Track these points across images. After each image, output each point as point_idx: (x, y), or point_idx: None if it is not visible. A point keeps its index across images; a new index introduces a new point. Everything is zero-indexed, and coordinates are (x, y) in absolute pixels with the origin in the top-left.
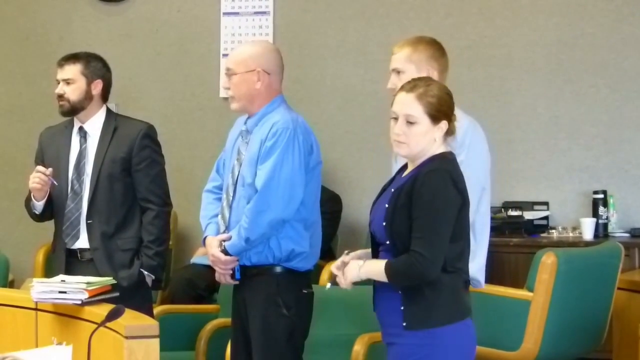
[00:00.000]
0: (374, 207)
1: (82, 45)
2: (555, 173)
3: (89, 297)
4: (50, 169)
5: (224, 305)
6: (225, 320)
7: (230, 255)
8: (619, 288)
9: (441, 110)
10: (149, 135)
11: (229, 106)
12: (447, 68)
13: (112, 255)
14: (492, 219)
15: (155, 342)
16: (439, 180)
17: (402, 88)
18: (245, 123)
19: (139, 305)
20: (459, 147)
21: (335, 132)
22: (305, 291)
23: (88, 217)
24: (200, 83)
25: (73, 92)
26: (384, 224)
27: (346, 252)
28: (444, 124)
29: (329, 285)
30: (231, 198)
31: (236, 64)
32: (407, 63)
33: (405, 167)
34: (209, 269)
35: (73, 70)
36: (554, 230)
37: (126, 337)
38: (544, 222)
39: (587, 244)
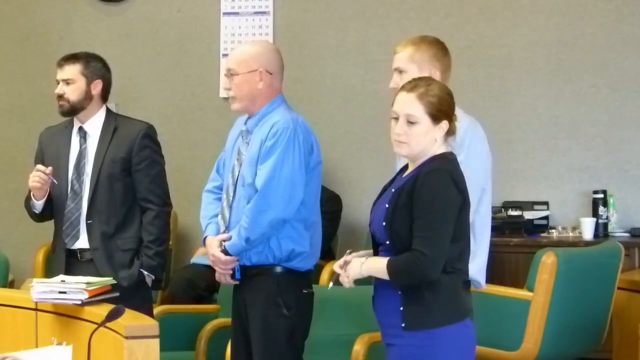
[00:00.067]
0: (374, 207)
1: (82, 45)
2: (555, 173)
3: (89, 297)
4: (50, 168)
5: (224, 305)
6: (225, 320)
7: (230, 255)
8: (619, 288)
9: (442, 110)
10: (149, 135)
11: (229, 106)
12: (449, 68)
13: (112, 255)
14: (492, 219)
15: (155, 342)
16: (439, 180)
17: (403, 88)
18: (245, 123)
19: (139, 305)
20: (459, 147)
21: (335, 132)
22: (306, 291)
23: (88, 217)
24: (200, 83)
25: (73, 92)
26: (384, 224)
27: (348, 251)
28: (444, 124)
29: (331, 284)
30: (231, 198)
31: (238, 64)
32: (409, 63)
33: (405, 167)
34: (209, 269)
35: (73, 71)
36: (554, 230)
37: (126, 337)
38: (544, 222)
39: (587, 243)
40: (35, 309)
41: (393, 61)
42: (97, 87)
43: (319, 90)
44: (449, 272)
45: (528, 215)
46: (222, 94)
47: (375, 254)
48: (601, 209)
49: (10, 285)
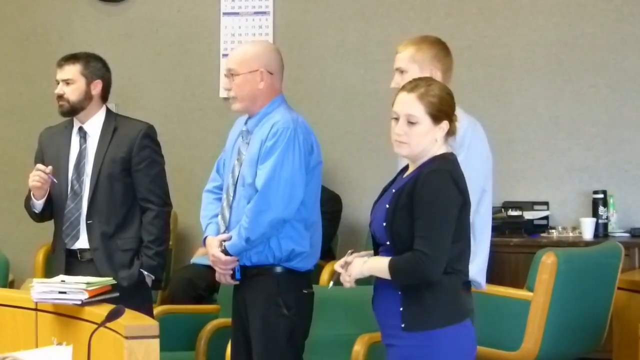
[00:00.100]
0: (374, 208)
1: (82, 45)
2: (555, 173)
3: (89, 297)
4: (50, 167)
5: (224, 305)
6: (225, 321)
7: (230, 255)
8: (619, 288)
9: (442, 110)
10: (149, 135)
11: (229, 106)
12: (451, 68)
13: (112, 255)
14: (492, 219)
15: (155, 342)
16: (440, 180)
17: (403, 88)
18: (245, 123)
19: (139, 305)
20: (458, 147)
21: (335, 132)
22: (306, 291)
23: (88, 217)
24: (200, 83)
25: (73, 93)
26: (385, 224)
27: (350, 251)
28: (445, 124)
29: (331, 284)
30: (231, 198)
31: (238, 64)
32: (411, 63)
33: (406, 168)
34: (209, 269)
35: (72, 71)
36: (554, 230)
37: (126, 337)
38: (544, 222)
39: (587, 243)
40: (35, 309)
41: (394, 61)
42: (97, 87)
43: (319, 90)
44: (449, 273)
45: (528, 215)
46: (222, 94)
47: (376, 254)
48: (601, 209)
49: (10, 285)
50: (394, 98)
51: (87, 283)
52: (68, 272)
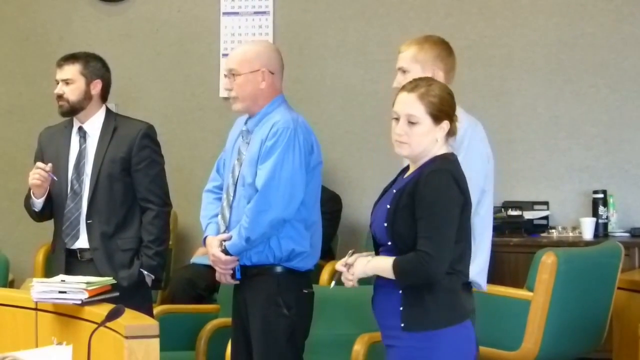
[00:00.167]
0: (375, 208)
1: (82, 45)
2: (555, 173)
3: (89, 297)
4: (49, 165)
5: (224, 305)
6: (225, 320)
7: (230, 255)
8: (619, 288)
9: (443, 110)
10: (149, 135)
11: (229, 106)
12: (453, 68)
13: (112, 255)
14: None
15: (155, 342)
16: (441, 180)
17: (404, 88)
18: (245, 123)
19: (139, 305)
20: (457, 147)
21: (335, 132)
22: (306, 291)
23: (88, 217)
24: (200, 83)
25: (72, 92)
26: (386, 224)
27: (350, 252)
28: (445, 124)
29: (333, 283)
30: (231, 198)
31: (239, 64)
32: (413, 62)
33: (407, 168)
34: (209, 269)
35: (72, 71)
36: (554, 230)
37: (126, 337)
38: (544, 221)
39: (587, 243)
40: (35, 309)
41: (397, 61)
42: (96, 87)
43: (319, 90)
44: (449, 274)
45: (528, 215)
46: (222, 94)
47: (376, 255)
48: (601, 208)
49: (10, 285)
50: (394, 98)
51: (87, 283)
52: (68, 271)
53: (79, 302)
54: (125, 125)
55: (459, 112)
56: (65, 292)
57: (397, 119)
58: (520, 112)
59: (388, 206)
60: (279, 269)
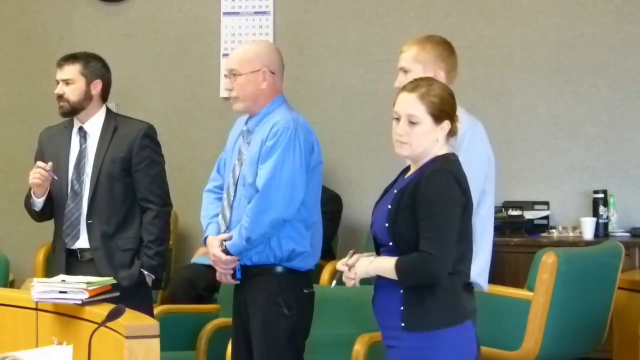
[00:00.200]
0: (375, 209)
1: (82, 45)
2: (555, 173)
3: (89, 297)
4: (50, 164)
5: (224, 305)
6: (225, 320)
7: (231, 254)
8: (619, 288)
9: (443, 110)
10: (149, 135)
11: (229, 106)
12: (455, 68)
13: (112, 255)
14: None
15: (156, 342)
16: (443, 180)
17: (404, 88)
18: (246, 123)
19: (139, 305)
20: (457, 147)
21: (335, 132)
22: (306, 291)
23: (88, 217)
24: (200, 83)
25: (72, 93)
26: (387, 225)
27: (351, 252)
28: (446, 124)
29: (334, 283)
30: (232, 198)
31: (240, 64)
32: (414, 62)
33: (407, 168)
34: (210, 269)
35: (72, 71)
36: (554, 230)
37: (126, 337)
38: (544, 221)
39: (588, 243)
40: (36, 309)
41: (398, 60)
42: (96, 87)
43: (319, 90)
44: (450, 274)
45: (528, 215)
46: (222, 94)
47: (377, 255)
48: (601, 208)
49: (11, 285)
50: (395, 98)
51: (88, 283)
52: (68, 271)
53: (80, 302)
54: (126, 125)
55: (460, 112)
56: (65, 292)
57: (398, 119)
58: (520, 112)
59: (389, 206)
60: (279, 268)
